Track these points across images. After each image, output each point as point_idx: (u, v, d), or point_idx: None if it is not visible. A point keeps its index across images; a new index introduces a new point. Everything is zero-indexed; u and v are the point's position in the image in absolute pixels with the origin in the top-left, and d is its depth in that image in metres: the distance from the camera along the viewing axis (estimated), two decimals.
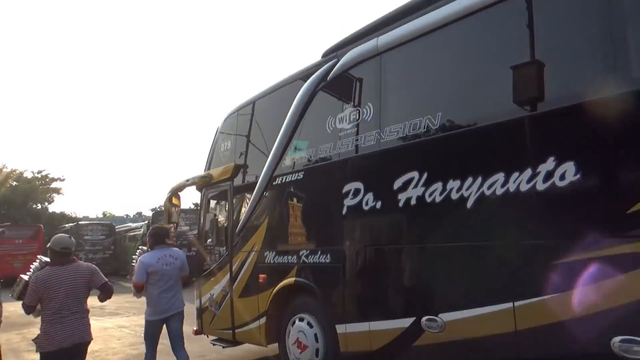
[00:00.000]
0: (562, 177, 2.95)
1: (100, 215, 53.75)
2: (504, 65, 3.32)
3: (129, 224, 28.56)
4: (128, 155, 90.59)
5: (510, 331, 3.16)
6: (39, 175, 30.68)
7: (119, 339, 5.00)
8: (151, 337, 4.72)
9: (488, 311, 3.29)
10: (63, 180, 31.38)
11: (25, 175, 30.13)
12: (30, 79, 58.42)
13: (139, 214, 54.85)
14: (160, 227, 5.25)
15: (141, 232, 20.55)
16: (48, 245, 3.94)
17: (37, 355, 3.88)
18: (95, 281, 3.88)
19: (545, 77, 3.13)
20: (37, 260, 4.16)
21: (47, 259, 3.99)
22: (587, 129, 2.94)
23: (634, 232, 2.66)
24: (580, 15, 3.08)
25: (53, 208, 31.80)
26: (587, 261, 2.82)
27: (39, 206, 30.67)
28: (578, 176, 2.89)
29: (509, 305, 3.17)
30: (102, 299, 4.00)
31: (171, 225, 6.21)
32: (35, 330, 3.95)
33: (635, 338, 2.59)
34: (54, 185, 30.87)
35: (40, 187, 30.45)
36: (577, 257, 2.88)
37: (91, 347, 4.23)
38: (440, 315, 3.56)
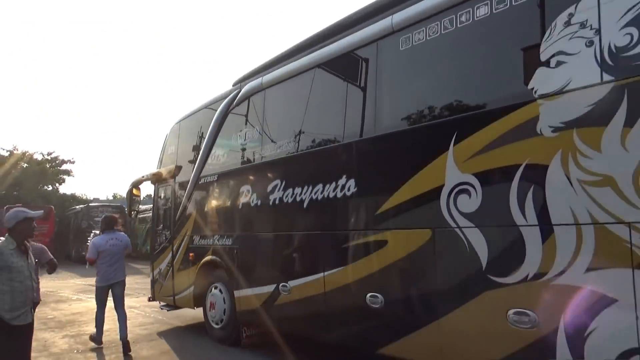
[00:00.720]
0: (349, 189, 4.41)
1: (111, 197, 55.33)
2: (329, 109, 4.76)
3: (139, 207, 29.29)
4: (138, 138, 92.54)
5: (322, 292, 4.65)
6: (49, 157, 30.52)
7: (129, 319, 5.89)
8: (100, 300, 6.28)
9: (312, 279, 4.78)
10: (73, 162, 31.49)
11: (35, 157, 29.91)
12: (38, 63, 59.80)
13: (149, 196, 56.23)
14: (110, 216, 6.76)
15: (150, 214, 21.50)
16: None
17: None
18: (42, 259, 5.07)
19: (345, 121, 4.56)
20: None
21: None
22: (359, 159, 4.38)
23: (381, 226, 4.09)
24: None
25: (63, 190, 31.79)
26: (362, 245, 4.28)
27: (50, 188, 30.66)
28: (355, 189, 4.34)
29: (321, 275, 4.66)
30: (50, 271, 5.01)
31: (119, 218, 7.53)
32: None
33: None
34: (64, 167, 30.84)
35: (51, 169, 30.31)
36: (357, 242, 4.34)
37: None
38: (289, 282, 5.06)
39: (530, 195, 3.08)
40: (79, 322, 7.97)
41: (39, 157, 30.04)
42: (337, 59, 4.78)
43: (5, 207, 21.44)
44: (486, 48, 3.58)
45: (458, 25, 3.66)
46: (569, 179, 2.91)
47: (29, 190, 27.80)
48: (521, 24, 3.33)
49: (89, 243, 6.58)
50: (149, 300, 8.08)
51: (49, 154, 30.49)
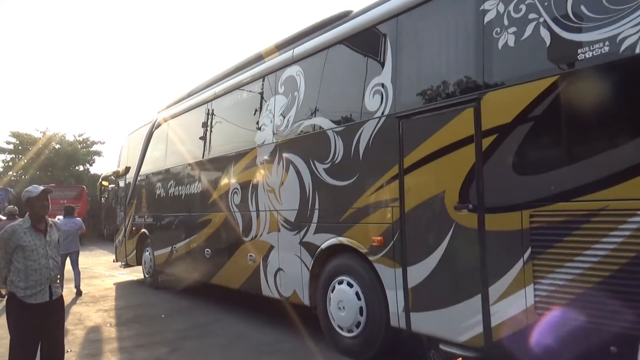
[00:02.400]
0: (198, 189, 7.47)
1: None
2: (193, 139, 7.80)
3: None
4: None
5: (188, 250, 7.76)
6: (81, 138, 30.96)
7: (103, 276, 8.68)
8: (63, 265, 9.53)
9: (184, 242, 7.88)
10: (103, 143, 31.89)
11: (67, 138, 30.33)
12: (70, 44, 63.27)
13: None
14: (69, 207, 9.89)
15: None
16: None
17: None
18: None
19: (197, 149, 7.59)
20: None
21: None
22: (201, 172, 7.44)
23: (208, 210, 7.14)
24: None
25: (94, 170, 31.47)
26: (203, 221, 7.34)
27: (81, 168, 30.75)
28: (200, 189, 7.40)
29: (188, 239, 7.76)
30: None
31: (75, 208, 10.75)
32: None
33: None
34: (94, 148, 31.10)
35: (82, 150, 30.45)
36: (201, 220, 7.40)
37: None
38: (176, 245, 8.19)
39: (253, 196, 6.10)
40: (112, 297, 8.66)
41: (71, 139, 30.61)
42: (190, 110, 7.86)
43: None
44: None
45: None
46: (263, 188, 5.92)
47: (61, 171, 28.20)
48: (245, 109, 6.32)
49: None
50: (114, 261, 11.36)
51: (80, 135, 31.15)
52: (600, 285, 2.84)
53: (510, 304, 3.26)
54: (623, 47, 2.78)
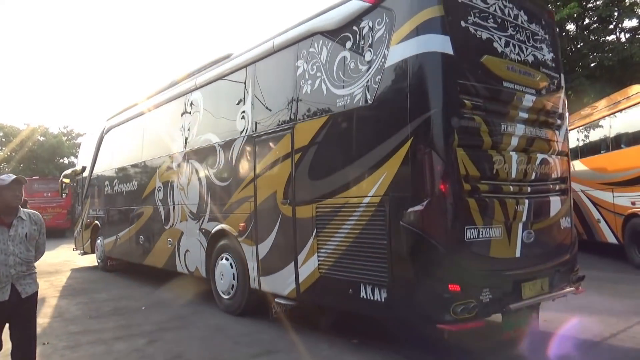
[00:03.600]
0: (135, 186, 9.00)
1: None
2: (130, 146, 9.30)
3: None
4: None
5: (128, 238, 9.29)
6: (65, 131, 31.27)
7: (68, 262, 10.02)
8: None
9: (125, 231, 9.39)
10: None
11: (51, 130, 30.52)
12: (53, 36, 63.48)
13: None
14: (25, 200, 11.33)
15: None
16: None
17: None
18: None
19: (130, 153, 9.11)
20: None
21: None
22: (135, 173, 8.97)
23: (142, 204, 8.68)
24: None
25: None
26: (138, 213, 8.87)
27: (66, 160, 30.77)
28: (136, 187, 8.93)
29: (128, 229, 9.29)
30: None
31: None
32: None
33: None
34: (79, 140, 30.60)
35: (67, 142, 30.43)
36: (137, 212, 8.94)
37: None
38: (119, 234, 9.70)
39: (170, 193, 7.64)
40: (92, 289, 8.51)
41: (55, 131, 30.85)
42: (129, 120, 9.35)
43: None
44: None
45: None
46: (177, 187, 7.47)
47: (45, 163, 28.43)
48: (167, 123, 7.88)
49: None
50: (73, 249, 12.80)
51: (64, 127, 31.49)
52: (346, 251, 4.47)
53: (308, 267, 4.88)
54: (355, 100, 4.41)
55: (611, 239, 9.37)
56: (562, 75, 5.18)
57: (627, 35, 16.29)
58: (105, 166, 10.57)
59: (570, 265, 4.86)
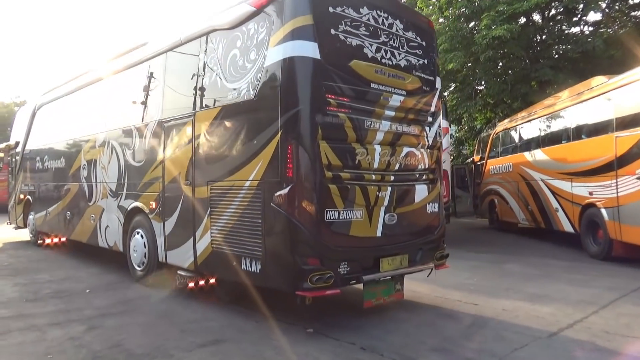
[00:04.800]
0: (63, 163, 9.23)
1: None
2: (62, 122, 9.49)
3: None
4: None
5: (58, 212, 9.55)
6: (18, 101, 30.51)
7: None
8: None
9: (55, 206, 9.64)
10: None
11: (1, 100, 30.66)
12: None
13: None
14: None
15: None
16: None
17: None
18: None
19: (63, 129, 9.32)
20: None
21: None
22: (66, 151, 9.20)
23: (70, 181, 8.94)
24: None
25: None
26: (67, 188, 9.13)
27: None
28: (64, 164, 9.16)
29: (57, 204, 9.54)
30: None
31: None
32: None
33: None
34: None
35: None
36: (66, 188, 9.19)
37: None
38: (49, 209, 9.92)
39: (93, 171, 7.96)
40: (35, 269, 7.97)
41: (6, 100, 30.62)
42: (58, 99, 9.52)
43: None
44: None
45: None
46: (98, 165, 7.80)
47: None
48: (91, 103, 8.16)
49: None
50: (7, 224, 12.86)
51: (17, 97, 31.01)
52: (232, 228, 5.02)
53: (203, 242, 5.40)
54: (242, 94, 4.92)
55: (568, 228, 9.56)
56: (438, 78, 5.85)
57: (591, 28, 16.56)
58: (37, 142, 10.69)
59: (434, 244, 5.60)
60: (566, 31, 16.28)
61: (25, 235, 11.79)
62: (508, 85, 15.66)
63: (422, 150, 5.48)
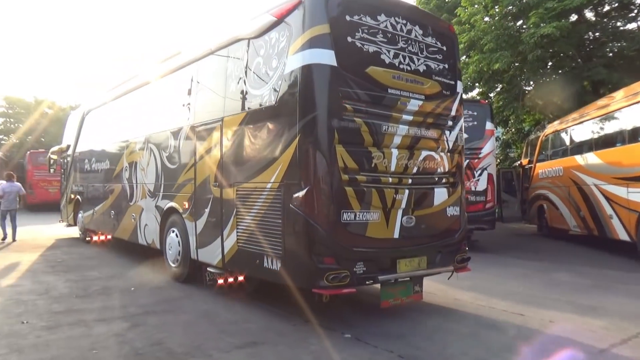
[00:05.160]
0: (108, 165, 9.85)
1: None
2: (108, 129, 10.12)
3: None
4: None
5: (103, 211, 10.18)
6: (74, 105, 30.75)
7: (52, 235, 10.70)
8: (3, 217, 11.90)
9: (101, 205, 10.29)
10: None
11: (58, 104, 31.25)
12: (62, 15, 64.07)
13: None
14: (10, 173, 12.24)
15: None
16: None
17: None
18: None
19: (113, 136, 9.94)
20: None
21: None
22: (110, 153, 9.80)
23: (113, 182, 9.54)
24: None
25: None
26: (112, 189, 9.73)
27: None
28: (109, 166, 9.78)
29: (103, 203, 10.18)
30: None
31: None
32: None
33: None
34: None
35: None
36: (111, 188, 9.80)
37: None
38: (95, 208, 10.60)
39: (134, 173, 8.47)
40: (86, 266, 8.33)
41: (63, 105, 31.45)
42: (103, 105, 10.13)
43: (29, 152, 24.24)
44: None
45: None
46: (139, 167, 8.30)
47: (54, 137, 28.44)
48: (132, 111, 8.67)
49: (0, 188, 12.14)
50: (59, 222, 13.76)
51: (74, 103, 31.54)
52: (255, 228, 5.28)
53: (230, 240, 5.70)
54: (264, 100, 5.18)
55: (623, 236, 9.03)
56: (459, 83, 5.89)
57: None
58: (85, 145, 11.41)
59: (454, 247, 5.65)
60: (621, 28, 15.29)
61: (75, 232, 12.59)
62: (558, 86, 14.98)
63: (441, 153, 5.54)
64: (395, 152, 5.04)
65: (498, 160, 17.87)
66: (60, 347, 4.26)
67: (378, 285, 4.96)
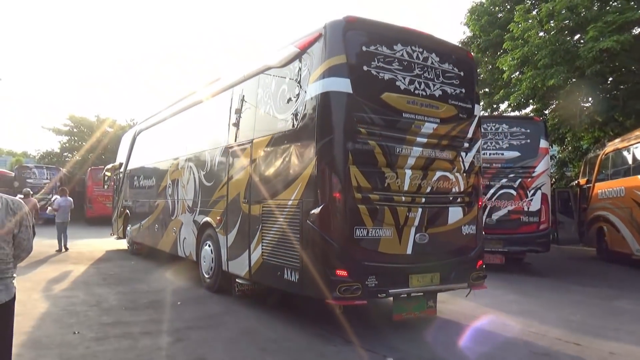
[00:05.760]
0: (153, 182, 10.63)
1: None
2: (159, 146, 10.96)
3: None
4: None
5: (148, 225, 10.95)
6: (132, 123, 31.55)
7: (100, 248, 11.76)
8: (59, 228, 12.92)
9: (147, 219, 11.06)
10: None
11: (118, 122, 32.20)
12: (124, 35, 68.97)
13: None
14: (63, 189, 13.32)
15: None
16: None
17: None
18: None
19: (164, 152, 10.75)
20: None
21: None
22: (157, 173, 10.59)
23: (159, 198, 10.28)
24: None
25: None
26: (156, 204, 10.49)
27: None
28: (154, 183, 10.56)
29: (148, 217, 10.95)
30: None
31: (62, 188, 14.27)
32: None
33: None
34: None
35: None
36: (155, 203, 10.55)
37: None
38: (142, 222, 11.39)
39: (176, 189, 9.15)
40: (136, 279, 8.61)
41: (123, 123, 32.48)
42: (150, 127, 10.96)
43: (90, 169, 25.67)
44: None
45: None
46: (179, 185, 8.97)
47: (113, 154, 28.03)
48: (175, 133, 9.41)
49: (55, 202, 13.21)
50: (110, 234, 14.75)
51: (131, 119, 32.43)
52: (278, 242, 5.69)
53: (256, 253, 6.13)
54: (287, 124, 5.62)
55: None
56: (477, 106, 6.12)
57: None
58: (135, 163, 12.31)
59: (469, 265, 5.82)
60: None
61: (123, 245, 13.48)
62: (620, 102, 14.36)
63: (457, 174, 5.77)
64: (409, 172, 5.32)
65: (553, 180, 17.27)
66: (107, 359, 4.49)
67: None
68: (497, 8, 18.11)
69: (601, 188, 12.64)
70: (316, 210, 4.95)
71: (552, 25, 14.73)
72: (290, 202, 5.43)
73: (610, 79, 15.08)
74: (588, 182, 13.94)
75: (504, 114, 16.81)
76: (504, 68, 15.06)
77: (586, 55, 12.65)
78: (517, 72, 15.63)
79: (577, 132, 16.44)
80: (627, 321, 6.22)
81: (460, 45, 17.56)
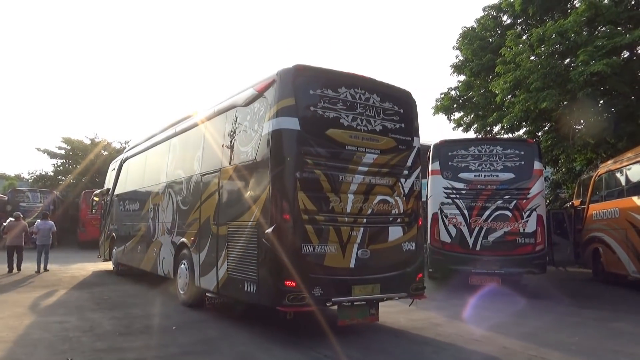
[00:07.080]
0: (138, 207, 11.42)
1: None
2: (139, 173, 11.80)
3: None
4: None
5: (131, 247, 11.69)
6: (126, 146, 30.75)
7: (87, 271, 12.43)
8: (38, 251, 13.59)
9: (131, 242, 11.80)
10: None
11: (113, 145, 32.05)
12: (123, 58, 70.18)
13: None
14: (44, 212, 14.09)
15: None
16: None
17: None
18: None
19: (144, 179, 11.58)
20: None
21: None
22: (144, 197, 11.40)
23: (143, 221, 11.05)
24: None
25: None
26: (141, 227, 11.24)
27: None
28: (137, 208, 11.35)
29: (132, 240, 11.69)
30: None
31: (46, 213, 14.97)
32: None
33: None
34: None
35: None
36: (140, 227, 11.31)
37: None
38: (126, 244, 12.12)
39: (157, 213, 9.94)
40: (130, 304, 8.58)
41: (117, 146, 32.21)
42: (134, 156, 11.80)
43: (83, 192, 25.82)
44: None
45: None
46: (159, 208, 9.77)
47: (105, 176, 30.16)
48: (156, 161, 10.28)
49: (35, 225, 13.95)
50: (97, 257, 15.40)
51: (126, 142, 32.07)
52: (240, 258, 6.49)
53: (222, 269, 6.90)
54: (248, 155, 6.50)
55: None
56: (416, 138, 7.02)
57: None
58: (120, 189, 13.10)
59: (409, 277, 6.64)
60: None
61: (109, 266, 14.13)
62: (611, 124, 14.36)
63: (397, 197, 6.63)
64: (351, 196, 6.19)
65: (548, 201, 17.23)
66: None
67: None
68: (488, 33, 18.34)
69: (595, 209, 12.60)
70: (269, 230, 5.78)
71: (543, 49, 14.80)
72: (250, 223, 6.26)
73: (602, 102, 15.30)
74: (582, 203, 13.95)
75: (498, 137, 16.99)
76: (497, 91, 15.28)
77: (577, 78, 12.78)
78: (510, 95, 15.84)
79: (570, 153, 16.58)
80: (625, 343, 6.23)
81: (451, 68, 18.91)
